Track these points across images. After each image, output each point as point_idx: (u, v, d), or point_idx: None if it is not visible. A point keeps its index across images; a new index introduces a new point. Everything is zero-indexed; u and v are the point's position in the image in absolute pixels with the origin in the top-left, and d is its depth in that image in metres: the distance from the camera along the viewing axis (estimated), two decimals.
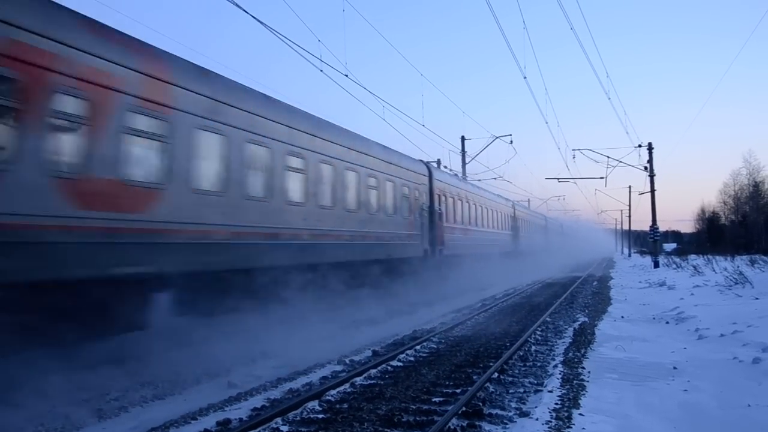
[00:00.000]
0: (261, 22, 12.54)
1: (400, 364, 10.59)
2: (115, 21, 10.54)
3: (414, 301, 19.41)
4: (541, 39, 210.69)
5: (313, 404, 7.87)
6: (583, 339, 12.94)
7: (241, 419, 7.28)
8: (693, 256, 47.46)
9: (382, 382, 9.18)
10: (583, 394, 8.30)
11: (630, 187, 71.92)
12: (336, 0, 41.32)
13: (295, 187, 13.59)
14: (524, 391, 8.64)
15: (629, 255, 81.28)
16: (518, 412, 7.59)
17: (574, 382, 9.02)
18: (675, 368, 10.02)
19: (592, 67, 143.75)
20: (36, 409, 7.78)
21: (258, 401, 8.18)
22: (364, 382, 9.17)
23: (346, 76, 16.97)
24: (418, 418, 7.30)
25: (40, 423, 7.36)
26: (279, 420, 7.17)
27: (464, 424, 7.03)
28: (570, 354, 11.26)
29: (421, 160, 24.21)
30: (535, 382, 9.23)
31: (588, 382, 9.06)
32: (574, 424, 7.00)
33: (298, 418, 7.33)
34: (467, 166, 38.46)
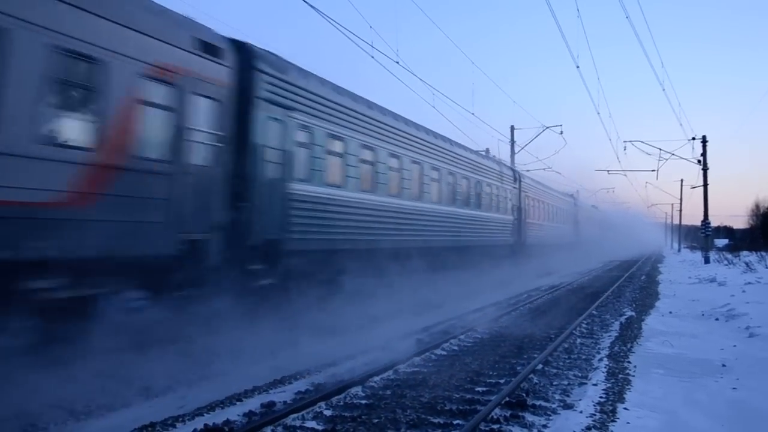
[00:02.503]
0: (312, 7, 12.54)
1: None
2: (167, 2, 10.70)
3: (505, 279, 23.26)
4: (595, 27, 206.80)
5: (356, 390, 7.95)
6: (630, 333, 12.76)
7: (285, 402, 7.38)
8: (745, 253, 46.12)
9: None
10: (629, 389, 8.20)
11: (682, 180, 70.64)
12: None
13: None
14: (568, 384, 8.56)
15: (679, 250, 79.44)
16: (562, 404, 7.54)
17: (620, 376, 8.90)
18: (724, 366, 9.81)
19: (646, 57, 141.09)
20: (87, 385, 8.03)
21: (302, 385, 8.28)
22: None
23: (397, 62, 16.99)
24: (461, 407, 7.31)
25: (91, 399, 7.56)
26: (323, 404, 7.26)
27: (507, 414, 7.02)
28: (616, 348, 11.11)
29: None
30: (580, 374, 9.13)
31: (634, 376, 8.94)
32: (618, 418, 6.92)
33: (342, 403, 7.41)
34: (516, 156, 38.07)
